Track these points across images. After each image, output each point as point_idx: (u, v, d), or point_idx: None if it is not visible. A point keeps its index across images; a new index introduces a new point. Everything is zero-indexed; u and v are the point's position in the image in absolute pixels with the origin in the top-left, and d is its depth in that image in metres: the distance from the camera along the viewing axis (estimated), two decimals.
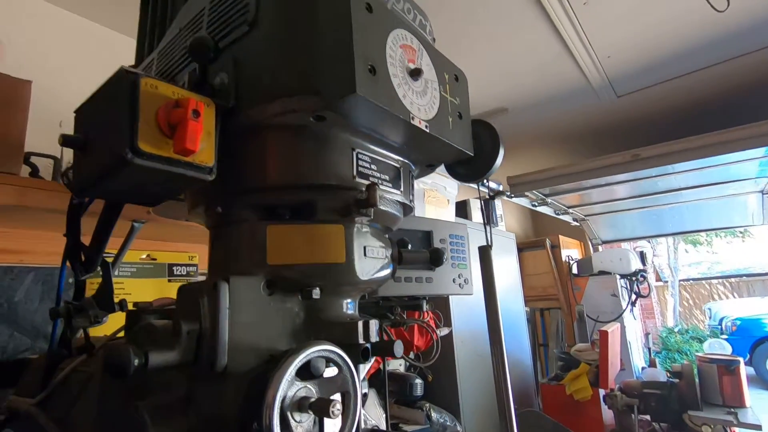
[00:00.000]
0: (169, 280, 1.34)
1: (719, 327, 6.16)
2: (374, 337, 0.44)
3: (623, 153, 1.98)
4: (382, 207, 0.44)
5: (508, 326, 2.30)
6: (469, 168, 0.53)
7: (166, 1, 0.64)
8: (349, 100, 0.35)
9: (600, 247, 3.67)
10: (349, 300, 0.47)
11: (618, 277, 2.98)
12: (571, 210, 3.13)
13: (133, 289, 1.26)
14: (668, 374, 1.96)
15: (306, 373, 0.37)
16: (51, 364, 0.62)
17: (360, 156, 0.43)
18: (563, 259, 3.30)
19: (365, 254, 0.45)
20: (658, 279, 8.10)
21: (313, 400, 0.35)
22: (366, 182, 0.43)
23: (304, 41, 0.37)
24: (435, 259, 0.50)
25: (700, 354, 1.96)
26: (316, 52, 0.37)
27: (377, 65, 0.37)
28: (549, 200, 2.74)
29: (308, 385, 0.37)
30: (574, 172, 2.12)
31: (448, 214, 1.84)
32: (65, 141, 0.34)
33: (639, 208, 3.11)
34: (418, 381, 1.22)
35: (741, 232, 8.19)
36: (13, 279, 1.05)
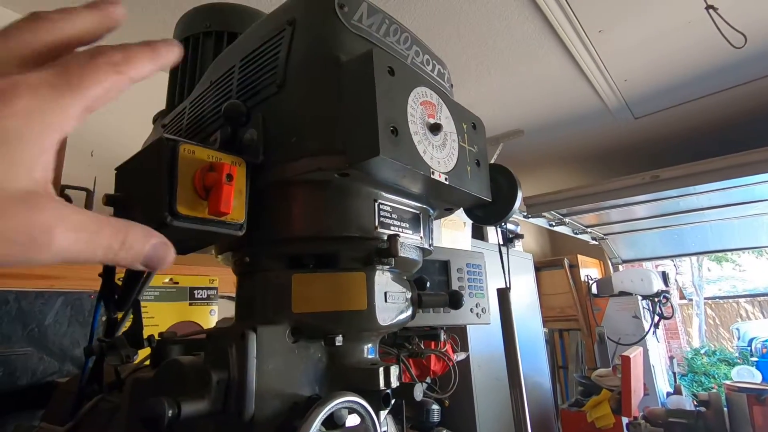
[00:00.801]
0: (190, 304, 1.38)
1: (748, 348, 5.91)
2: (395, 383, 0.45)
3: (642, 174, 1.97)
4: (402, 254, 0.45)
5: (526, 348, 2.26)
6: (487, 211, 0.54)
7: (197, 51, 0.68)
8: (372, 160, 0.37)
9: (620, 267, 3.60)
10: (369, 345, 0.49)
11: (640, 298, 2.91)
12: (589, 229, 3.09)
13: (155, 313, 1.29)
14: (694, 402, 1.90)
15: (329, 422, 0.38)
16: (81, 398, 0.64)
17: (381, 206, 0.45)
18: (582, 279, 3.24)
19: (386, 300, 0.46)
20: (682, 297, 7.86)
21: None
22: (387, 231, 0.44)
23: (330, 104, 0.39)
24: (454, 302, 0.51)
25: (728, 382, 1.90)
26: (341, 115, 0.39)
27: (399, 125, 0.38)
28: (567, 220, 2.71)
29: None
30: (592, 193, 2.10)
31: (465, 236, 1.84)
32: (108, 201, 0.37)
33: (660, 227, 3.06)
34: (435, 407, 1.21)
35: None
36: (43, 303, 1.09)
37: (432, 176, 0.41)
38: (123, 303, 0.54)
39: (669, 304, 2.97)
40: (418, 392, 0.49)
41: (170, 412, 0.34)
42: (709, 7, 1.01)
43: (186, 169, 0.35)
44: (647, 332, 2.76)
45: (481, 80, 1.59)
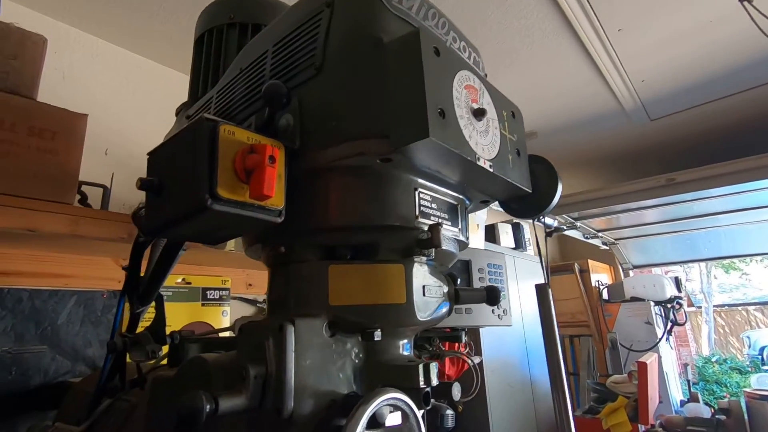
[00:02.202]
0: (203, 304, 1.36)
1: (760, 357, 5.81)
2: (434, 381, 0.42)
3: (657, 177, 1.94)
4: (443, 246, 0.44)
5: (538, 355, 2.22)
6: (525, 204, 0.52)
7: (220, 42, 0.67)
8: (420, 143, 0.35)
9: (631, 272, 3.55)
10: (405, 341, 0.46)
11: (652, 304, 2.86)
12: (600, 234, 3.06)
13: (168, 313, 1.27)
14: (712, 410, 1.85)
15: (372, 420, 0.36)
16: (100, 395, 0.63)
17: (422, 195, 0.43)
18: (593, 284, 3.20)
19: (424, 294, 0.44)
20: (691, 305, 7.75)
21: None
22: (427, 221, 0.43)
23: (373, 85, 0.38)
24: (492, 297, 0.49)
25: (748, 390, 1.85)
26: (386, 97, 0.37)
27: (446, 108, 0.37)
28: (578, 224, 2.68)
29: None
30: (605, 196, 2.08)
31: (478, 239, 1.81)
32: (142, 184, 0.35)
33: (672, 232, 3.01)
34: (449, 412, 1.17)
35: None
36: (56, 302, 1.08)
37: (477, 162, 0.40)
38: (147, 298, 0.52)
39: (682, 311, 2.92)
40: (456, 391, 0.47)
41: (208, 407, 0.32)
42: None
43: (226, 151, 0.33)
44: (660, 339, 2.71)
45: (495, 80, 1.57)
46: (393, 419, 0.39)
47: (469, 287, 0.51)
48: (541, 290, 0.57)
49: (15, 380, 0.98)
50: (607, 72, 1.50)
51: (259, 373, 0.36)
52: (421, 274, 0.44)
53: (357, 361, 0.42)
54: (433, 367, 0.43)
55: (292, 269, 0.43)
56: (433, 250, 0.43)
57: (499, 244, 2.18)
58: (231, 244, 1.11)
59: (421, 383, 0.41)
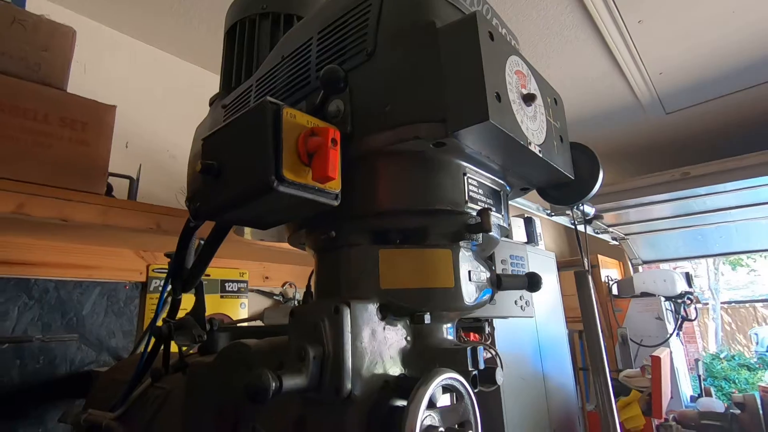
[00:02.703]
0: (221, 296, 1.37)
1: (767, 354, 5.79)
2: (481, 364, 0.43)
3: (672, 171, 1.93)
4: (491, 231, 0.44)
5: (550, 349, 2.23)
6: (564, 191, 0.52)
7: (253, 32, 0.67)
8: (476, 127, 0.35)
9: (640, 268, 3.54)
10: (449, 325, 0.47)
11: (663, 299, 2.86)
12: (611, 229, 3.05)
13: (188, 306, 1.29)
14: (725, 405, 1.85)
15: (428, 401, 0.36)
16: (137, 380, 0.64)
17: (470, 180, 0.43)
18: (602, 280, 3.19)
19: (470, 278, 0.45)
20: (698, 301, 7.72)
21: (441, 429, 0.35)
22: (475, 206, 0.43)
23: (428, 69, 0.38)
24: (533, 283, 0.49)
25: (763, 384, 1.85)
26: (442, 81, 0.37)
27: (501, 92, 0.37)
28: (586, 226, 2.67)
29: (432, 414, 0.36)
30: (619, 191, 2.07)
31: None
32: (203, 168, 0.36)
33: (682, 227, 3.00)
34: None
35: None
36: (81, 293, 1.09)
37: (529, 147, 0.40)
38: (190, 284, 0.53)
39: (693, 307, 2.91)
40: (500, 376, 0.47)
41: (274, 384, 0.33)
42: None
43: (289, 133, 0.34)
44: (671, 334, 2.70)
45: None
46: (444, 401, 0.40)
47: (509, 273, 0.51)
48: (581, 277, 0.58)
49: (43, 370, 1.00)
50: (625, 65, 1.49)
51: (317, 354, 0.37)
52: (466, 259, 0.45)
53: (405, 344, 0.43)
54: (480, 352, 0.44)
55: (343, 254, 0.43)
56: (481, 234, 0.43)
57: (511, 238, 2.18)
58: (248, 235, 1.12)
59: (470, 366, 0.42)
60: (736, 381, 4.76)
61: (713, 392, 2.13)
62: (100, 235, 0.94)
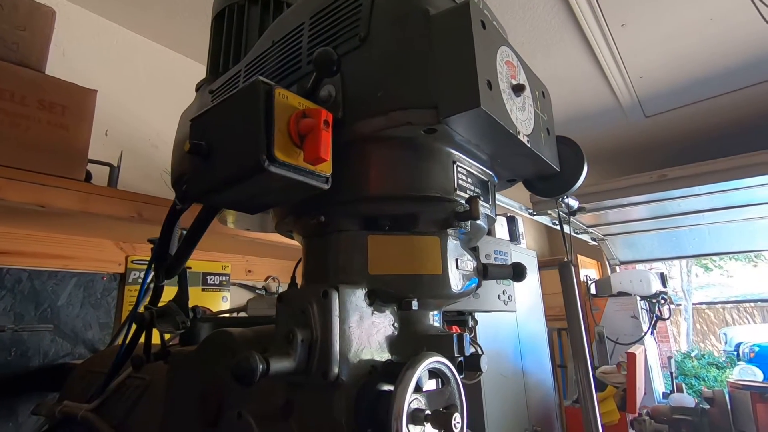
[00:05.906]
0: (203, 289, 1.35)
1: (735, 353, 6.00)
2: (467, 351, 0.44)
3: (650, 173, 1.98)
4: (479, 219, 0.44)
5: (530, 346, 2.27)
6: (549, 183, 0.53)
7: (242, 18, 0.66)
8: (467, 114, 0.36)
9: (618, 268, 3.63)
10: (435, 312, 0.47)
11: (638, 298, 2.94)
12: (590, 229, 3.11)
13: (168, 297, 1.26)
14: (695, 400, 1.92)
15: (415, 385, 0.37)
16: (117, 369, 0.62)
17: (459, 168, 0.43)
18: (581, 279, 3.26)
19: (457, 266, 0.45)
20: (671, 302, 7.96)
21: (428, 412, 0.35)
22: (464, 194, 0.43)
23: (421, 56, 0.38)
24: (518, 273, 0.50)
25: (731, 380, 1.92)
26: (434, 67, 0.37)
27: (492, 81, 0.37)
28: (570, 219, 2.73)
29: (418, 398, 0.37)
30: (598, 191, 2.12)
31: None
32: (192, 148, 0.35)
33: (658, 229, 3.09)
34: None
35: (756, 257, 8.06)
36: (56, 284, 1.06)
37: (518, 136, 0.41)
38: (174, 270, 0.52)
39: (667, 306, 3.00)
40: (485, 363, 0.48)
41: (261, 367, 0.33)
42: None
43: (281, 114, 0.33)
44: (646, 332, 2.78)
45: None
46: (430, 385, 0.40)
47: (495, 263, 0.52)
48: (564, 268, 0.59)
49: (15, 362, 0.96)
50: (607, 67, 1.53)
51: (306, 338, 0.37)
52: (454, 247, 0.45)
53: (393, 330, 0.43)
54: (466, 338, 0.44)
55: (332, 239, 0.43)
56: (470, 222, 0.44)
57: (494, 236, 2.21)
58: (231, 224, 1.10)
59: (456, 352, 0.42)
60: (706, 378, 4.93)
61: (684, 388, 2.19)
62: (79, 223, 0.91)
